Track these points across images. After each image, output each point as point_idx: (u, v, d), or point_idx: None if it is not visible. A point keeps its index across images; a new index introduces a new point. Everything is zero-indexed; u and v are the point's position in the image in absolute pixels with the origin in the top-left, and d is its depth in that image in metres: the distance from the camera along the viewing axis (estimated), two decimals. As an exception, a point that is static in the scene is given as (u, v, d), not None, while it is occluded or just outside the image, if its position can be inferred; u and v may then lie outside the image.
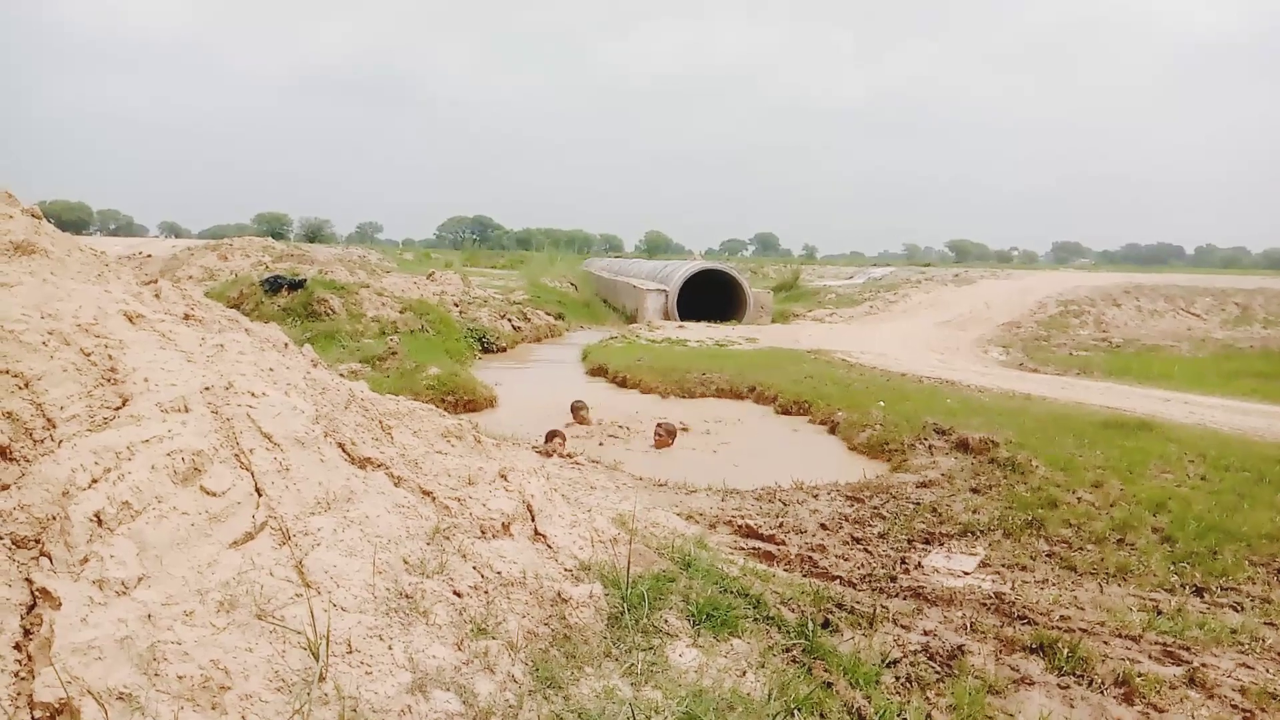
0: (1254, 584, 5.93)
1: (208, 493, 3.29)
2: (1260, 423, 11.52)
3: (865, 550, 6.42)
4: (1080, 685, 4.27)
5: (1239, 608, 5.56)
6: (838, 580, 5.59)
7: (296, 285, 19.06)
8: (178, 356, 3.91)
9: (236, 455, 3.55)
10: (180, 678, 2.66)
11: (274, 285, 19.02)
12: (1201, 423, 11.46)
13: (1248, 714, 4.10)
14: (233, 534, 3.25)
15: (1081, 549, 6.55)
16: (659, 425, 10.45)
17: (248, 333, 5.04)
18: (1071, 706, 4.11)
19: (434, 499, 4.30)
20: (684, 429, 11.24)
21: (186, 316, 4.68)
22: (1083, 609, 5.41)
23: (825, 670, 3.97)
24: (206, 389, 3.73)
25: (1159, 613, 5.36)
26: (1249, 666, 4.63)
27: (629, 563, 4.30)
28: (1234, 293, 30.09)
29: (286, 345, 5.37)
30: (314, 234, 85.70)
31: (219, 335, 4.50)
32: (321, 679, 2.87)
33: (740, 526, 6.75)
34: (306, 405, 4.12)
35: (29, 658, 2.64)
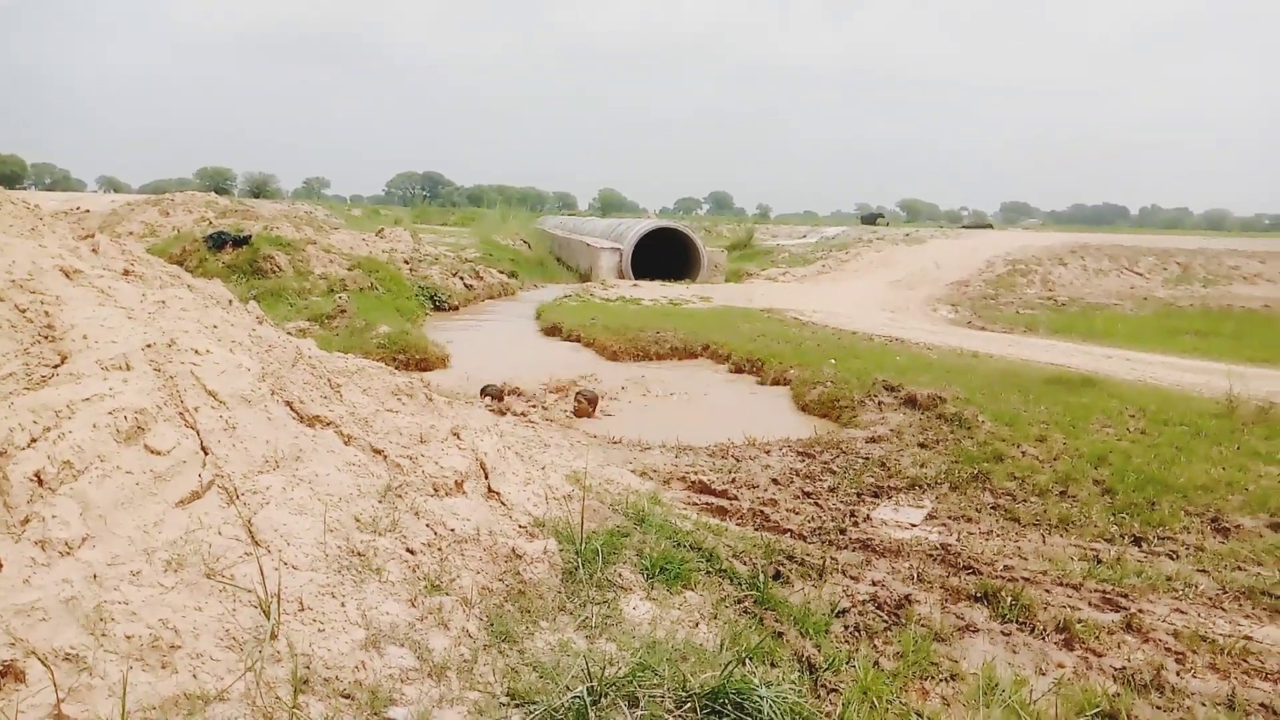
0: (1189, 533, 6.14)
1: (152, 451, 3.23)
2: (1198, 379, 11.85)
3: (815, 504, 6.52)
4: (1023, 632, 4.42)
5: (1175, 556, 5.76)
6: (788, 533, 5.68)
7: (241, 242, 18.61)
8: (118, 313, 3.81)
9: (181, 413, 3.48)
10: (129, 637, 2.62)
11: (218, 241, 18.55)
12: (1142, 379, 11.78)
13: (1180, 655, 4.27)
14: (179, 493, 3.20)
15: (1025, 501, 6.73)
16: (579, 394, 10.18)
17: (190, 289, 4.92)
18: (1014, 652, 4.24)
19: (385, 457, 4.27)
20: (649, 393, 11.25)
21: (126, 272, 4.55)
22: (1025, 559, 5.57)
23: (776, 620, 4.05)
24: (148, 346, 3.64)
25: (1099, 562, 5.53)
26: (1182, 611, 4.81)
27: (583, 519, 4.33)
28: (1176, 252, 30.77)
29: (231, 302, 5.26)
30: (259, 189, 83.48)
31: (160, 291, 4.39)
32: (273, 637, 2.85)
33: (693, 482, 6.81)
34: (252, 363, 4.05)
35: (-31, 620, 2.58)
